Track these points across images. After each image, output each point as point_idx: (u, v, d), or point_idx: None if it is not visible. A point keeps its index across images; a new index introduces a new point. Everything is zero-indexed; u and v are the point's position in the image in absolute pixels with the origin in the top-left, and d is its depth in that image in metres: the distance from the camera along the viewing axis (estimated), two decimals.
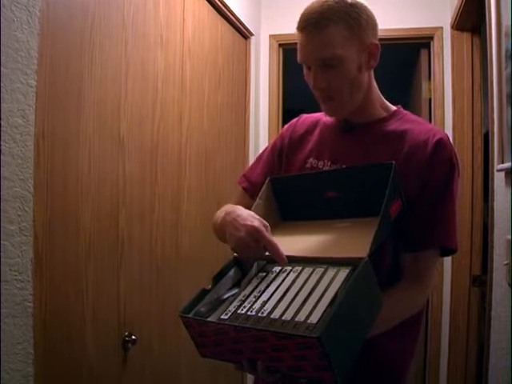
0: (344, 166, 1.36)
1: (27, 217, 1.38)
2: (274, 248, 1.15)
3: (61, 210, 1.55)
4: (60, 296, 1.54)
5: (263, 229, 1.16)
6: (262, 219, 1.19)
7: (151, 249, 2.10)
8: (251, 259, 1.20)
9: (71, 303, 1.60)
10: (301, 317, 0.99)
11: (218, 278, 1.23)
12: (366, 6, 1.31)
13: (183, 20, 2.39)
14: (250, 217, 1.19)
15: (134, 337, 1.90)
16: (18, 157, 1.34)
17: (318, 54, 1.27)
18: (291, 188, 1.39)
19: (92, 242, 1.70)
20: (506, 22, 1.89)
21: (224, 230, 1.25)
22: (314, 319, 0.97)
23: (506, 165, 1.86)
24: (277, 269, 1.17)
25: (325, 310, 0.98)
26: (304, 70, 1.36)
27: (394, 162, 1.18)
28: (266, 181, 1.40)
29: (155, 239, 2.13)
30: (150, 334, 2.08)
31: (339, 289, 1.03)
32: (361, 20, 1.28)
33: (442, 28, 3.33)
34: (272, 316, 1.02)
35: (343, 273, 1.07)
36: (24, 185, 1.37)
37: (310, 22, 1.26)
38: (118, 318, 1.86)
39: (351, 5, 1.27)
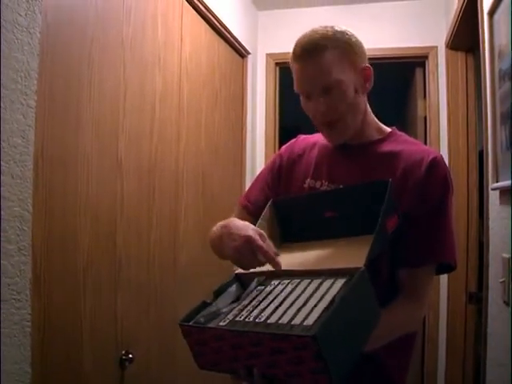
0: (341, 186, 1.39)
1: (26, 236, 1.38)
2: (266, 254, 1.15)
3: (59, 229, 1.55)
4: (58, 315, 1.54)
5: (257, 237, 1.16)
6: (257, 228, 1.21)
7: (149, 267, 2.10)
8: (249, 268, 1.20)
9: (69, 322, 1.61)
10: (297, 320, 1.00)
11: (218, 292, 1.25)
12: (353, 33, 1.37)
13: (181, 40, 2.42)
14: (244, 227, 1.20)
15: (131, 355, 1.89)
16: (17, 176, 1.35)
17: (317, 81, 1.31)
18: (292, 209, 1.41)
19: (90, 261, 1.70)
20: (498, 42, 1.92)
21: (221, 243, 1.26)
22: (310, 321, 0.98)
23: (500, 184, 1.87)
24: (275, 282, 1.19)
25: (321, 314, 1.00)
26: (301, 100, 1.39)
27: (390, 179, 1.21)
28: (269, 203, 1.42)
29: (153, 258, 2.13)
30: (148, 352, 2.08)
31: (336, 295, 1.04)
32: (352, 44, 1.34)
33: (436, 47, 3.37)
34: (269, 321, 1.04)
35: (340, 282, 1.08)
36: (23, 204, 1.37)
37: (305, 52, 1.31)
38: (116, 336, 1.86)
39: (341, 32, 1.34)
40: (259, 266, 1.19)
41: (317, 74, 1.30)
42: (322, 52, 1.29)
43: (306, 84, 1.34)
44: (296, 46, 1.35)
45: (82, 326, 1.66)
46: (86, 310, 1.68)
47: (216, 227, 1.36)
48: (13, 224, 1.34)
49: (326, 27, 1.34)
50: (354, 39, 1.35)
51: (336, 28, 1.34)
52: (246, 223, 1.24)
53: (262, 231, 1.21)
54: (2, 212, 1.30)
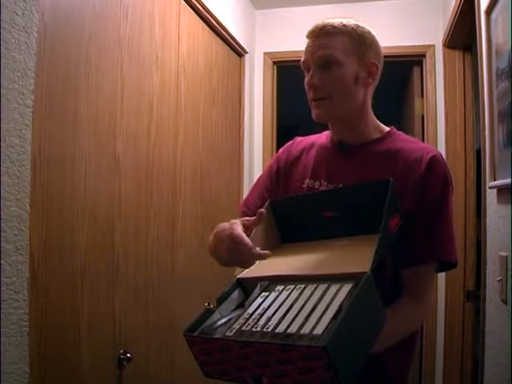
0: (340, 186, 1.39)
1: (23, 236, 1.39)
2: (245, 245, 1.14)
3: (56, 229, 1.55)
4: (55, 315, 1.54)
5: (237, 230, 1.17)
6: (241, 220, 1.24)
7: (146, 267, 2.10)
8: (249, 265, 1.21)
9: (66, 322, 1.61)
10: (305, 329, 0.99)
11: (222, 299, 1.23)
12: (373, 34, 1.41)
13: (178, 39, 2.42)
14: (228, 225, 1.22)
15: (129, 355, 1.89)
16: (14, 176, 1.35)
17: (318, 52, 1.36)
18: (290, 209, 1.40)
19: (87, 261, 1.70)
20: (496, 40, 1.92)
21: (217, 250, 1.29)
22: (319, 331, 0.97)
23: (498, 182, 1.87)
24: (280, 287, 1.17)
25: (329, 323, 0.98)
26: (305, 79, 1.41)
27: (391, 179, 1.20)
28: (266, 203, 1.41)
29: (150, 257, 2.13)
30: (145, 351, 2.08)
31: (343, 302, 1.03)
32: (365, 39, 1.38)
33: (434, 46, 3.37)
34: (277, 330, 1.02)
35: (346, 288, 1.07)
36: (20, 204, 1.37)
37: (318, 28, 1.37)
38: (114, 335, 1.86)
39: (358, 25, 1.39)
40: (253, 260, 1.19)
41: (319, 48, 1.36)
42: (332, 33, 1.36)
43: (308, 56, 1.39)
44: (314, 24, 1.40)
45: (80, 326, 1.66)
46: (83, 309, 1.68)
47: (211, 237, 1.38)
48: (10, 224, 1.34)
49: (350, 19, 1.40)
50: (369, 36, 1.40)
51: (357, 22, 1.40)
52: (232, 221, 1.24)
53: (247, 218, 1.24)
54: (0, 212, 1.30)
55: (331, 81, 1.35)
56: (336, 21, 1.37)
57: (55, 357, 1.55)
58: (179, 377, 2.34)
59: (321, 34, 1.36)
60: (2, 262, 1.31)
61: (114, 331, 1.86)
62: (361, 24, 1.39)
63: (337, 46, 1.34)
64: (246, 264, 1.21)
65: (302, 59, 1.41)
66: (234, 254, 1.18)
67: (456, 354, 3.16)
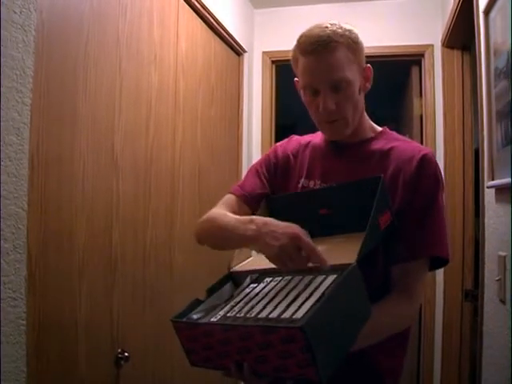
0: (334, 184, 1.39)
1: (21, 234, 1.38)
2: (315, 253, 1.11)
3: (54, 227, 1.55)
4: (53, 314, 1.54)
5: (304, 233, 1.13)
6: (300, 227, 1.16)
7: (144, 266, 2.10)
8: (290, 270, 1.16)
9: (64, 321, 1.60)
10: (287, 314, 1.01)
11: (211, 290, 1.26)
12: (357, 33, 1.36)
13: (177, 37, 2.42)
14: (288, 225, 1.16)
15: (126, 354, 1.89)
16: (12, 175, 1.35)
17: (329, 76, 1.30)
18: (286, 207, 1.42)
19: (85, 260, 1.70)
20: (494, 40, 1.92)
21: (255, 242, 1.19)
22: (299, 315, 0.99)
23: (496, 182, 1.88)
24: (268, 279, 1.21)
25: (310, 308, 1.00)
26: (304, 96, 1.38)
27: (381, 175, 1.22)
28: (263, 201, 1.44)
29: (148, 256, 2.13)
30: (143, 350, 2.08)
31: (326, 289, 1.05)
32: (358, 45, 1.35)
33: (432, 45, 3.37)
34: (259, 316, 1.05)
35: (331, 278, 1.09)
36: (18, 202, 1.37)
37: (319, 45, 1.28)
38: (111, 335, 1.86)
39: (349, 30, 1.33)
40: (301, 265, 1.14)
41: (328, 70, 1.29)
42: (335, 48, 1.28)
43: (316, 78, 1.32)
44: (307, 38, 1.31)
45: (78, 325, 1.66)
46: (81, 308, 1.68)
47: (248, 223, 1.23)
48: (8, 222, 1.34)
49: (333, 24, 1.32)
50: (359, 39, 1.35)
51: (344, 25, 1.33)
52: (287, 223, 1.17)
53: (305, 231, 1.16)
54: None
55: (344, 101, 1.32)
56: (330, 32, 1.29)
57: (53, 356, 1.54)
58: (177, 376, 2.34)
59: (325, 53, 1.28)
60: None
61: (111, 330, 1.86)
62: (347, 26, 1.34)
63: (344, 64, 1.29)
64: (292, 267, 1.15)
65: (306, 82, 1.34)
66: (288, 254, 1.12)
67: (454, 353, 3.16)
